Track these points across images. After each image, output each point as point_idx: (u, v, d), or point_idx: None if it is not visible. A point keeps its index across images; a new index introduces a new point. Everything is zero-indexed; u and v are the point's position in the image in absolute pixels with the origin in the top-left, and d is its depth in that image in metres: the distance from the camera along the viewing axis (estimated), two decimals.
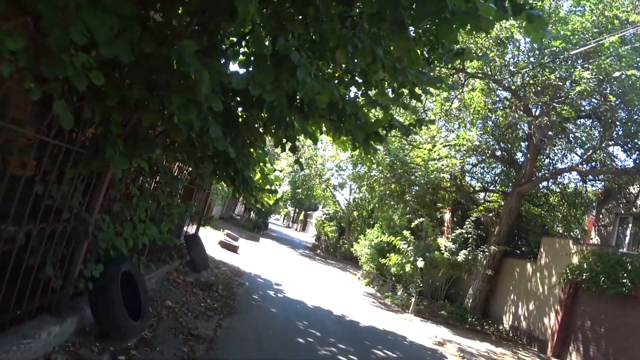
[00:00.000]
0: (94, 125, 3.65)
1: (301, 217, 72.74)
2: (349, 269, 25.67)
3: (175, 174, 7.11)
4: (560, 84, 12.34)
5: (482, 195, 20.08)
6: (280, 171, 32.76)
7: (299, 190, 32.26)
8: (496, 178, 19.31)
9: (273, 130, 5.39)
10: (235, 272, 11.80)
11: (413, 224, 15.93)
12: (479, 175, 19.34)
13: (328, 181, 32.54)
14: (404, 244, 14.73)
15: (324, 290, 14.34)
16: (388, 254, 16.22)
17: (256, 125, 5.89)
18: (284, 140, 5.91)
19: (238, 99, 5.32)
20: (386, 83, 5.02)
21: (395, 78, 4.68)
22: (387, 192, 17.30)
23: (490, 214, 17.32)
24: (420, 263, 13.97)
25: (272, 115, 4.43)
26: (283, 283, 12.58)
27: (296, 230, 69.98)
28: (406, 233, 15.00)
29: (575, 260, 12.58)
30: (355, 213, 31.85)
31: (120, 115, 3.63)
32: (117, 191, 4.59)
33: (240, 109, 5.86)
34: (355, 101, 4.81)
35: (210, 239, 16.83)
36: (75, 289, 4.18)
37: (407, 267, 14.56)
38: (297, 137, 5.68)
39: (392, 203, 18.17)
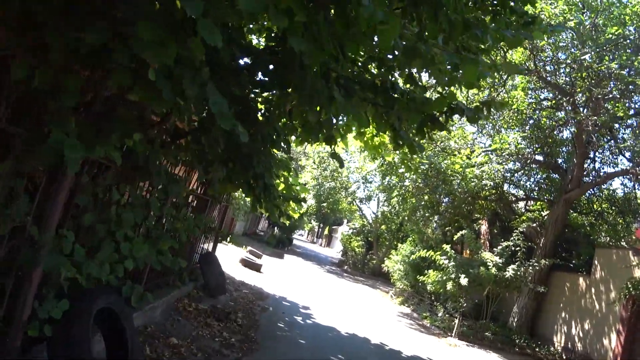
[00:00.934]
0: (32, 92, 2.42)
1: (326, 232, 71.34)
2: (379, 286, 24.14)
3: (182, 177, 5.87)
4: (624, 72, 10.82)
5: (520, 204, 18.49)
6: (305, 184, 31.53)
7: (324, 204, 30.91)
8: (538, 185, 17.67)
9: (303, 115, 4.10)
10: (258, 295, 10.50)
11: (455, 237, 14.38)
12: (520, 182, 17.72)
13: (354, 194, 31.15)
14: (445, 259, 13.23)
15: (356, 312, 12.92)
16: (425, 271, 14.71)
17: (278, 114, 4.59)
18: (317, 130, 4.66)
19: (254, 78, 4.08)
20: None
21: (469, 34, 3.37)
22: (422, 202, 15.82)
23: (534, 224, 15.72)
24: (463, 280, 12.45)
25: (302, 86, 3.14)
26: (311, 305, 11.22)
27: (321, 245, 68.53)
28: (446, 247, 13.50)
29: (637, 273, 11.05)
30: (383, 227, 30.36)
31: (74, 78, 2.39)
32: (88, 197, 3.33)
33: (257, 92, 4.63)
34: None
35: (231, 257, 15.61)
36: (26, 335, 2.92)
37: (449, 285, 13.03)
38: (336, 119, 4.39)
39: (426, 215, 16.67)
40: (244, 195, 9.30)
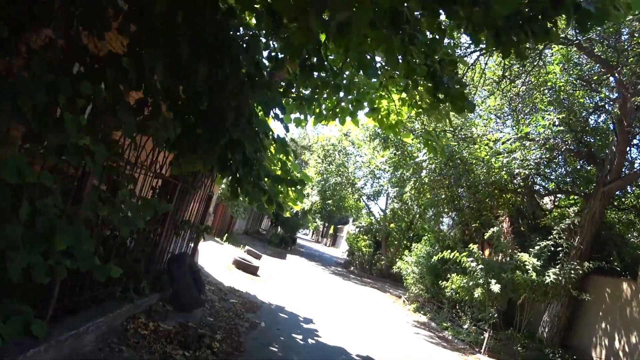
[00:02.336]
0: None
1: (331, 231, 69.46)
2: (388, 289, 22.22)
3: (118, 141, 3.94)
4: None
5: (545, 199, 16.48)
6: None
7: (329, 202, 28.98)
8: (570, 176, 15.60)
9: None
10: (249, 306, 8.56)
11: (486, 235, 12.36)
12: (549, 173, 15.67)
13: (361, 191, 29.18)
14: (471, 261, 11.27)
15: (367, 323, 11.00)
16: (447, 274, 12.77)
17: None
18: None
19: None
20: None
21: None
22: (442, 196, 13.85)
23: (568, 221, 13.72)
24: (495, 287, 10.50)
25: None
26: (314, 317, 9.29)
27: (326, 245, 66.69)
28: (473, 247, 11.53)
29: None
30: (392, 225, 28.40)
31: None
32: None
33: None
34: None
35: (224, 258, 13.72)
36: None
37: (477, 292, 11.07)
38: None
39: (445, 210, 14.71)
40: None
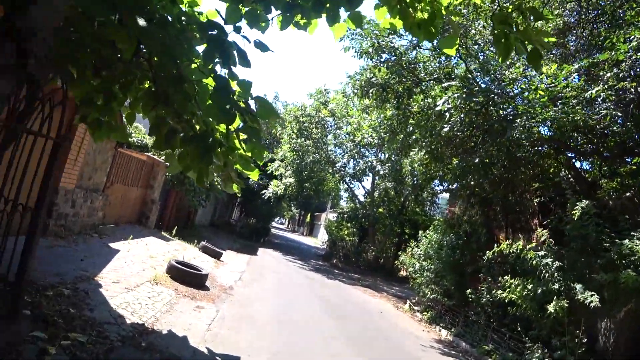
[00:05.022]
0: None
1: (307, 219, 65.31)
2: (382, 286, 18.09)
3: None
4: None
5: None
6: (282, 160, 25.15)
7: (307, 185, 24.58)
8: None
9: None
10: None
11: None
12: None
13: (343, 171, 24.81)
14: (541, 255, 7.09)
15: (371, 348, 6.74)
16: (477, 273, 8.57)
17: None
18: None
19: None
20: None
21: None
22: (476, 159, 9.50)
23: (628, 194, 9.70)
24: (593, 297, 6.36)
25: None
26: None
27: (303, 234, 62.56)
28: (542, 232, 7.36)
29: None
30: (380, 210, 24.23)
31: None
32: None
33: None
34: None
35: (157, 263, 9.22)
36: None
37: (551, 305, 6.92)
38: None
39: (475, 178, 10.33)
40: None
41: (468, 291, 10.68)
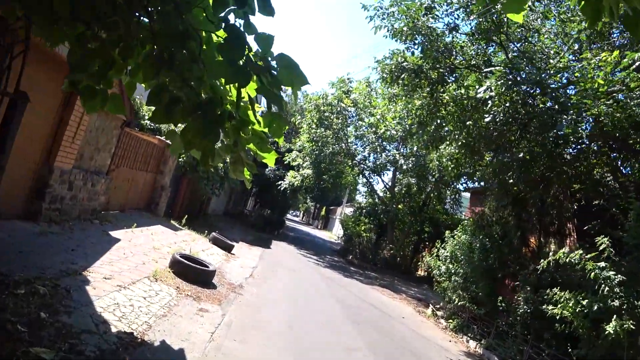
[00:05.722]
0: None
1: (322, 212, 64.45)
2: (400, 286, 17.12)
3: None
4: None
5: None
6: (300, 151, 24.21)
7: (325, 177, 23.56)
8: None
9: None
10: None
11: None
12: None
13: (364, 163, 23.77)
14: (602, 267, 6.04)
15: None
16: (512, 280, 7.56)
17: None
18: None
19: None
20: None
21: None
22: (519, 154, 8.45)
23: None
24: None
25: None
26: None
27: (317, 227, 61.79)
28: (602, 239, 6.30)
29: None
30: (400, 206, 23.15)
31: None
32: None
33: None
34: None
35: (161, 255, 8.38)
36: None
37: (610, 326, 5.88)
38: None
39: (513, 178, 9.27)
40: None
41: (499, 299, 9.69)
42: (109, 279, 5.72)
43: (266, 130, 3.56)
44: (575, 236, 11.96)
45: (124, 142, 10.93)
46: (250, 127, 3.58)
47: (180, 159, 15.44)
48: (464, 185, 21.12)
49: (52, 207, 7.75)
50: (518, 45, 11.38)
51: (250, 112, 3.49)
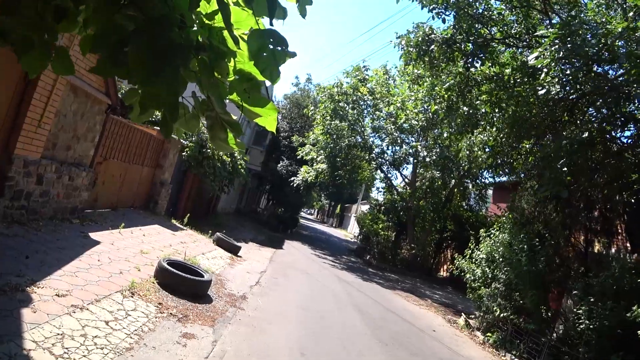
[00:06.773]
0: None
1: (337, 210, 62.93)
2: (423, 290, 15.63)
3: None
4: None
5: None
6: (314, 145, 22.74)
7: (340, 172, 22.03)
8: None
9: None
10: None
11: None
12: None
13: (383, 156, 22.20)
14: None
15: None
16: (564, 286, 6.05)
17: None
18: None
19: None
20: None
21: None
22: (563, 141, 6.92)
23: None
24: None
25: None
26: None
27: (332, 225, 60.40)
28: None
29: None
30: (421, 202, 21.56)
31: None
32: None
33: None
34: None
35: (147, 260, 7.01)
36: None
37: None
38: None
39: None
40: None
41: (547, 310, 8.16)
42: (63, 296, 4.34)
43: (252, 68, 2.14)
44: (624, 235, 10.40)
45: (113, 131, 9.59)
46: (230, 63, 2.17)
47: (184, 153, 14.07)
48: (491, 179, 19.56)
49: (14, 205, 6.41)
50: (564, 17, 9.83)
51: (227, 36, 2.07)
